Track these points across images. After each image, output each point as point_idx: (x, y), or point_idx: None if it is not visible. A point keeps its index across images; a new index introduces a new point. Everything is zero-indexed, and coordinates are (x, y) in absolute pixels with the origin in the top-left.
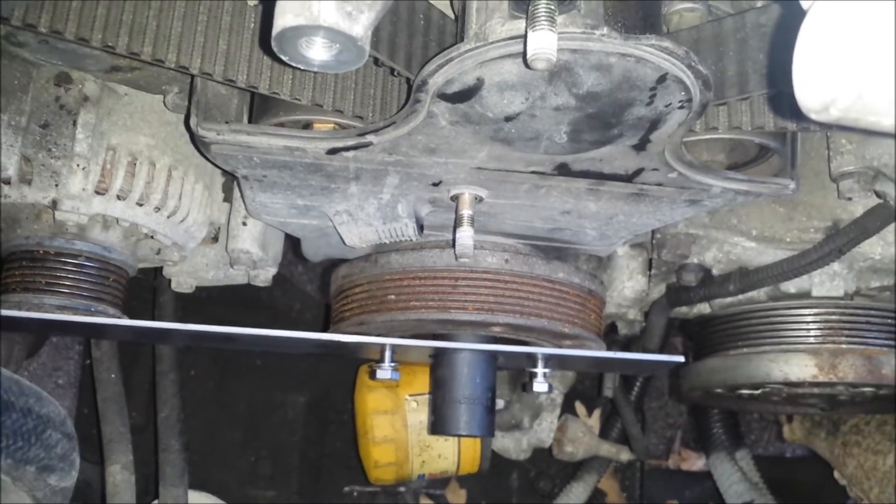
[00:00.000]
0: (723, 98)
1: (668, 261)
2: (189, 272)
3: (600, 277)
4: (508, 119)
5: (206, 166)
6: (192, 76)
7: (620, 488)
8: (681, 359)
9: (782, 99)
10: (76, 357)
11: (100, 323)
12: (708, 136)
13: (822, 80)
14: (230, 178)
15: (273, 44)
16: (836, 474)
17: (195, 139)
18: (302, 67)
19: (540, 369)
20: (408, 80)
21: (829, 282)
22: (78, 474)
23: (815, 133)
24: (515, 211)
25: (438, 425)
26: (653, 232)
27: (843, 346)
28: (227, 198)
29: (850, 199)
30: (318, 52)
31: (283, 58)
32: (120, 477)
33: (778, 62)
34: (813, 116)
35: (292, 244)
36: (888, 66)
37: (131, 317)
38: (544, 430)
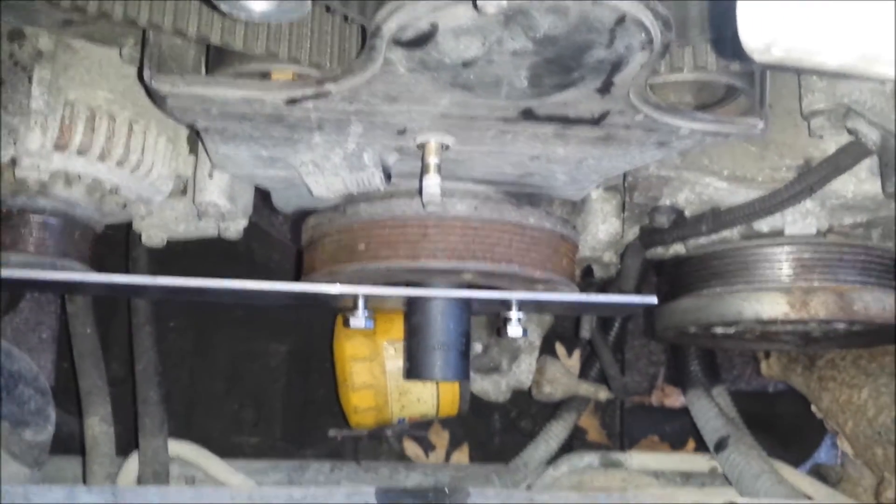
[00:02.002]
0: (685, 38)
1: (640, 203)
2: (159, 226)
3: (573, 222)
4: (466, 65)
5: (170, 119)
6: (143, 29)
7: (601, 425)
8: (653, 299)
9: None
10: (56, 311)
11: (67, 279)
12: (673, 78)
13: (762, 20)
14: (195, 131)
15: None
16: (814, 408)
17: (150, 93)
18: (243, 17)
19: (514, 314)
20: (363, 26)
21: (801, 220)
22: (61, 427)
23: (785, 72)
24: (484, 157)
25: (413, 371)
26: (625, 175)
27: (815, 283)
28: (193, 150)
29: (821, 136)
30: (257, 0)
31: (223, 8)
32: (98, 429)
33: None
34: (755, 57)
35: (266, 195)
36: (828, 4)
37: (107, 272)
38: (523, 372)
